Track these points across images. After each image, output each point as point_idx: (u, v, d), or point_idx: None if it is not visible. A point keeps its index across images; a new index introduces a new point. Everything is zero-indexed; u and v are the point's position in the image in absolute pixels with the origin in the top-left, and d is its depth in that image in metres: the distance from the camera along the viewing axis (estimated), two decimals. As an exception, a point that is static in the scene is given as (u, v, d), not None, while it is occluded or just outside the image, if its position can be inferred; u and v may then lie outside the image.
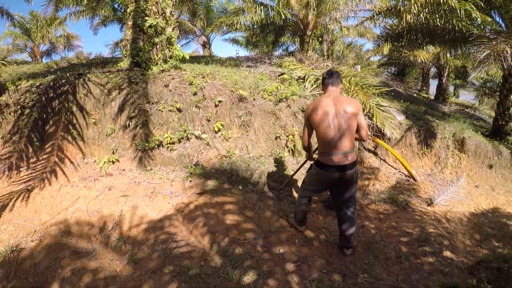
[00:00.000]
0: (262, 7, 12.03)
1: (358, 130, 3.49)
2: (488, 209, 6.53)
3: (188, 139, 5.67)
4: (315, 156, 3.87)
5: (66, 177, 5.20)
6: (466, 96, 27.27)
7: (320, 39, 18.40)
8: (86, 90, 5.94)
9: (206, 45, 22.30)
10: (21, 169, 5.48)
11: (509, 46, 7.19)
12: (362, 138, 3.51)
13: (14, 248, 3.57)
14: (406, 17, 7.60)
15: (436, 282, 3.51)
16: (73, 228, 3.94)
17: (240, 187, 5.04)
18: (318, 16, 12.79)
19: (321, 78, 7.02)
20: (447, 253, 4.22)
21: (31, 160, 5.62)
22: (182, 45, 23.99)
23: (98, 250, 3.61)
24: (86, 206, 4.39)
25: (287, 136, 6.15)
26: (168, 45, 6.56)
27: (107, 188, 4.84)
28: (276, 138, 6.15)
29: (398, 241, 4.35)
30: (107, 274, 3.25)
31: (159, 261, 3.46)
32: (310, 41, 13.48)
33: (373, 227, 4.68)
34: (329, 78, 3.67)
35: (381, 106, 6.93)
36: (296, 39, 16.09)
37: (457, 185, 6.66)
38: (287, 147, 6.12)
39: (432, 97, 19.63)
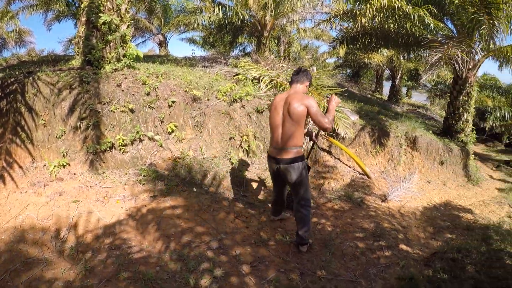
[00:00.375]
0: (220, 7, 11.95)
1: (316, 124, 3.54)
2: (441, 203, 6.83)
3: (141, 140, 5.50)
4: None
5: (15, 183, 4.86)
6: (418, 97, 28.51)
7: (277, 40, 18.57)
8: (35, 90, 5.60)
9: (162, 44, 21.95)
10: None
11: (460, 50, 7.56)
12: (323, 128, 3.49)
13: None
14: (361, 20, 7.80)
15: (393, 275, 3.61)
16: (24, 238, 3.71)
17: (195, 189, 4.95)
18: (275, 17, 12.88)
19: (276, 79, 7.16)
20: (403, 247, 4.36)
21: None
22: (138, 44, 23.45)
23: (50, 259, 3.41)
24: (36, 214, 4.14)
25: (241, 137, 6.13)
26: (122, 43, 6.34)
27: (58, 193, 4.58)
28: (230, 139, 6.11)
29: (354, 237, 4.44)
30: (60, 285, 3.07)
31: (114, 268, 3.31)
32: (267, 42, 13.55)
33: (329, 225, 4.75)
34: (296, 75, 3.86)
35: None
36: (253, 40, 16.12)
37: (410, 181, 6.91)
38: (242, 147, 6.10)
39: (386, 98, 20.35)
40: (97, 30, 6.16)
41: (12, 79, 5.88)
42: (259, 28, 13.27)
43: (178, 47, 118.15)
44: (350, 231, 4.62)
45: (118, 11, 6.35)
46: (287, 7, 12.25)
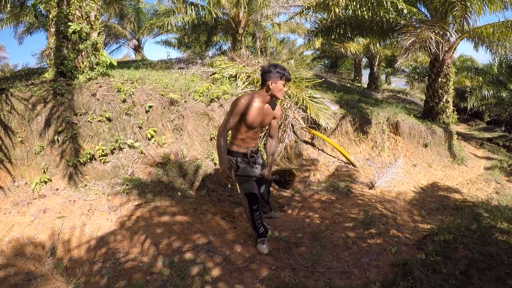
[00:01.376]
0: (192, 7, 11.90)
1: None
2: (428, 185, 6.90)
3: (121, 149, 5.39)
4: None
5: (-3, 204, 4.74)
6: (398, 83, 28.87)
7: (253, 36, 18.53)
8: (9, 107, 5.44)
9: (138, 48, 21.70)
10: None
11: (434, 33, 7.62)
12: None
13: None
14: (334, 10, 7.81)
15: (386, 261, 3.61)
16: (11, 260, 3.59)
17: (179, 193, 4.88)
18: (249, 13, 12.87)
19: (252, 75, 7.11)
20: (394, 232, 4.37)
21: None
22: (113, 50, 23.13)
23: (39, 280, 3.31)
24: (22, 234, 4.00)
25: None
26: (94, 51, 6.20)
27: (42, 211, 4.45)
28: (211, 139, 6.06)
29: (344, 227, 4.43)
30: None
31: (105, 280, 3.25)
32: (243, 39, 13.55)
33: (318, 217, 4.73)
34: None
35: (314, 98, 7.08)
36: (228, 38, 16.10)
37: (395, 166, 6.97)
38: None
39: (365, 86, 20.50)
40: (67, 40, 6.01)
41: (-16, 96, 5.71)
42: (234, 26, 13.25)
43: (154, 50, 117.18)
44: (340, 221, 4.61)
45: (88, 19, 6.21)
46: (260, 2, 12.27)
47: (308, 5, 9.64)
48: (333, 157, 7.09)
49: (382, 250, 3.84)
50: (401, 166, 7.26)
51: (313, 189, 5.80)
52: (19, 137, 5.24)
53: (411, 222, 4.94)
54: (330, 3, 8.24)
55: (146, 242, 3.83)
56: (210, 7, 11.76)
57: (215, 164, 5.68)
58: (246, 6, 12.21)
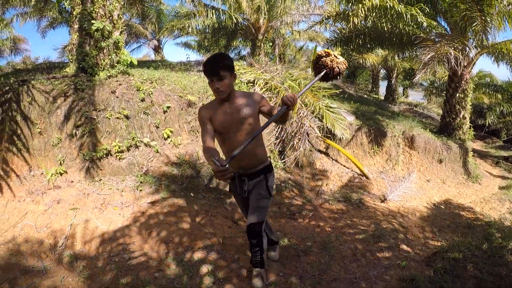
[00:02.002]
0: (213, 10, 12.01)
1: None
2: (440, 202, 6.81)
3: (137, 147, 5.47)
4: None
5: (12, 191, 4.83)
6: (415, 96, 28.54)
7: (272, 43, 18.59)
8: (30, 98, 5.57)
9: (158, 49, 21.94)
10: None
11: (452, 48, 7.56)
12: None
13: None
14: (354, 21, 7.80)
15: (394, 276, 3.58)
16: (23, 246, 3.69)
17: (192, 194, 4.93)
18: (269, 20, 12.91)
19: (270, 81, 7.13)
20: (403, 247, 4.33)
21: None
22: (133, 49, 23.44)
23: (49, 267, 3.40)
24: (35, 222, 4.11)
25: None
26: (115, 50, 6.32)
27: (56, 201, 4.56)
28: None
29: (354, 238, 4.41)
30: None
31: (112, 275, 3.30)
32: (262, 45, 13.58)
33: (328, 227, 4.72)
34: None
35: (331, 107, 7.06)
36: (248, 44, 16.16)
37: (409, 181, 6.90)
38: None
39: (382, 98, 20.36)
40: (90, 37, 6.14)
41: (6, 88, 5.85)
42: (253, 31, 13.30)
43: (174, 52, 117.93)
44: (350, 232, 4.59)
45: (111, 18, 6.33)
46: (280, 9, 12.31)
47: (328, 14, 9.68)
48: (347, 168, 7.06)
49: (391, 264, 3.81)
50: (414, 180, 7.20)
51: (325, 199, 5.79)
52: (38, 128, 5.36)
53: (421, 238, 4.89)
54: (350, 14, 8.24)
55: (156, 239, 3.87)
56: (231, 11, 11.84)
57: None
58: (267, 13, 12.28)
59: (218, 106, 2.80)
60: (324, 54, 2.84)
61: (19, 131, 5.38)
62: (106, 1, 6.29)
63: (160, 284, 3.16)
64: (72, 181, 5.04)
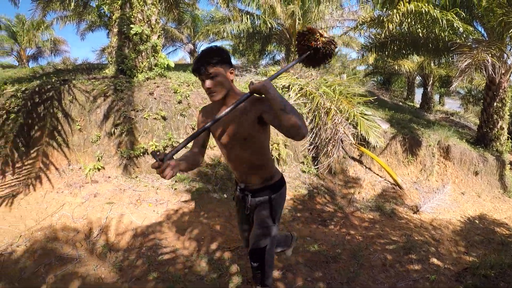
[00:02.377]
0: (248, 16, 12.12)
1: None
2: (475, 216, 6.60)
3: (173, 147, 5.62)
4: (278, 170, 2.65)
5: (51, 183, 5.10)
6: (452, 105, 27.71)
7: (306, 49, 18.55)
8: (71, 97, 5.86)
9: (193, 53, 22.33)
10: (6, 174, 5.36)
11: (490, 55, 7.33)
12: None
13: None
14: (389, 26, 7.69)
15: (423, 289, 3.52)
16: (59, 234, 3.88)
17: (225, 195, 5.01)
18: (303, 25, 12.90)
19: (305, 87, 7.13)
20: (434, 261, 4.23)
21: (17, 165, 5.50)
22: (169, 53, 24.00)
23: (83, 256, 3.55)
24: (72, 213, 4.32)
25: (272, 145, 6.13)
26: (153, 53, 6.53)
27: (93, 195, 4.78)
28: None
29: (384, 249, 4.35)
30: (91, 281, 3.20)
31: (143, 268, 3.41)
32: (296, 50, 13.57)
33: (359, 235, 4.68)
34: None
35: (366, 115, 6.99)
36: (282, 48, 16.17)
37: (443, 193, 6.73)
38: (272, 155, 6.10)
39: (418, 106, 19.89)
40: (129, 40, 6.37)
41: (48, 86, 6.18)
42: (288, 36, 13.33)
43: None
44: (380, 242, 4.53)
45: (149, 22, 6.54)
46: (314, 14, 12.28)
47: (363, 20, 9.58)
48: (380, 176, 6.96)
49: (420, 277, 3.74)
50: (448, 193, 7.00)
51: (357, 207, 5.74)
52: (78, 125, 5.62)
53: (453, 252, 4.76)
54: (384, 19, 8.14)
55: (188, 237, 3.97)
56: (265, 16, 11.92)
57: None
58: (301, 18, 12.29)
59: (216, 111, 2.29)
60: (307, 32, 2.35)
61: (59, 127, 5.66)
62: (144, 6, 6.50)
63: (190, 280, 3.24)
64: (109, 177, 5.25)
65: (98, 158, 5.44)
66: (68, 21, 16.04)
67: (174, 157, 1.91)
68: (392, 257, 4.15)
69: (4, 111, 5.94)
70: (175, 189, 4.99)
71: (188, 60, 23.94)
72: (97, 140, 5.55)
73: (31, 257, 3.48)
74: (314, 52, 2.33)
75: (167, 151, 5.51)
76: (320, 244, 4.16)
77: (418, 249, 4.40)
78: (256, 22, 12.40)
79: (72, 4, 11.52)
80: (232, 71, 2.16)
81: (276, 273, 3.46)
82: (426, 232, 5.22)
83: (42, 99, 6.03)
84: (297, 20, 12.14)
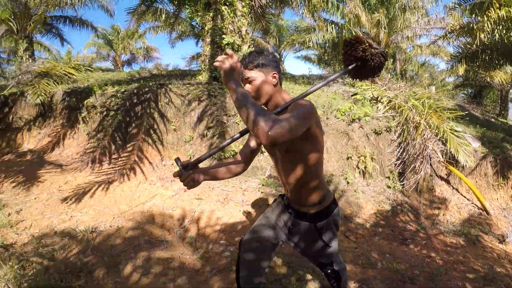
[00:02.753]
0: (333, 25, 12.17)
1: None
2: None
3: (262, 152, 5.91)
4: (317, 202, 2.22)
5: (144, 175, 5.70)
6: (553, 123, 25.08)
7: (393, 58, 18.01)
8: (167, 99, 6.44)
9: (278, 62, 22.65)
10: (103, 163, 6.16)
11: None
12: None
13: (93, 230, 4.01)
14: (479, 35, 7.26)
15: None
16: (149, 221, 4.31)
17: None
18: (389, 34, 12.62)
19: (394, 100, 6.98)
20: (513, 296, 4.00)
21: (113, 156, 6.27)
22: (255, 62, 24.65)
23: (170, 243, 3.90)
24: (162, 203, 4.77)
25: (359, 157, 6.14)
26: (244, 62, 6.86)
27: (183, 189, 5.21)
28: (347, 158, 6.17)
29: (463, 276, 4.18)
30: (175, 266, 3.49)
31: (227, 261, 3.63)
32: (383, 60, 13.29)
33: (439, 259, 4.55)
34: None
35: (456, 131, 6.67)
36: (368, 59, 15.87)
37: (534, 224, 6.21)
38: (358, 168, 6.12)
39: (511, 123, 18.34)
40: (221, 49, 6.81)
41: (146, 89, 6.87)
42: (373, 46, 13.12)
43: (294, 64, 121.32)
44: (460, 269, 4.37)
45: (239, 33, 6.93)
46: (400, 23, 11.99)
47: (452, 28, 9.12)
48: (467, 199, 6.58)
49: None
50: (542, 224, 6.45)
51: (440, 229, 5.53)
52: (173, 125, 6.18)
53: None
54: (475, 27, 7.70)
55: None
56: (350, 26, 11.86)
57: (348, 183, 5.82)
58: (386, 27, 12.05)
59: None
60: (354, 41, 2.08)
61: (155, 126, 6.27)
62: (235, 18, 6.89)
63: (269, 279, 3.39)
64: (199, 175, 5.68)
65: (190, 157, 5.91)
66: (159, 30, 17.56)
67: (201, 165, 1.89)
68: (471, 286, 4.00)
69: (104, 109, 6.73)
70: (262, 192, 5.24)
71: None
72: (190, 140, 6.03)
73: (122, 237, 3.92)
74: (361, 63, 2.09)
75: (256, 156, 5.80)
76: (398, 263, 4.14)
77: (499, 282, 4.16)
78: (342, 32, 12.39)
79: (163, 16, 12.57)
80: (274, 74, 2.02)
81: (352, 285, 3.52)
82: (510, 265, 4.91)
83: (140, 100, 6.71)
84: (382, 29, 11.94)
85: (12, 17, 11.97)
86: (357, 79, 2.24)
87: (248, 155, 2.27)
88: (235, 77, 1.71)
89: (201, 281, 3.32)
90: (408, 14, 11.95)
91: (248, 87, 1.96)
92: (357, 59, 2.06)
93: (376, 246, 4.50)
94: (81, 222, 4.23)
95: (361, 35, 2.20)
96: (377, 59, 2.05)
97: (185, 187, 1.82)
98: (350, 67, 2.11)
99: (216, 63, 1.72)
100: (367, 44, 2.04)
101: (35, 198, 4.99)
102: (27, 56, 12.36)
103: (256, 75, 1.95)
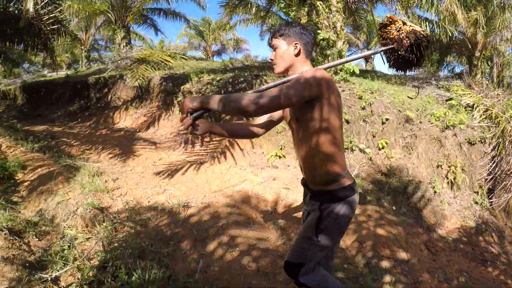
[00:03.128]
0: (427, 22, 11.64)
1: None
2: None
3: (352, 150, 5.91)
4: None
5: (235, 160, 5.93)
6: None
7: (490, 61, 16.64)
8: (262, 90, 6.65)
9: (368, 59, 22.17)
10: (195, 145, 6.52)
11: None
12: None
13: (185, 204, 4.24)
14: None
15: None
16: (238, 203, 4.47)
17: (394, 208, 5.07)
18: (487, 35, 11.75)
19: (491, 108, 6.49)
20: None
21: (205, 140, 6.61)
22: (346, 57, 24.33)
23: (257, 225, 4.02)
24: (251, 188, 4.89)
25: (449, 167, 5.82)
26: (338, 58, 6.85)
27: (272, 178, 5.33)
28: (437, 167, 5.89)
29: None
30: (260, 247, 3.61)
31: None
32: (479, 63, 12.42)
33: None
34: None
35: None
36: (463, 60, 14.98)
37: None
38: (447, 178, 5.81)
39: None
40: (316, 45, 6.85)
41: (241, 79, 7.15)
42: (470, 47, 12.35)
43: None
44: None
45: (334, 29, 6.93)
46: (499, 23, 11.08)
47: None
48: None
49: None
50: None
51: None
52: (269, 115, 6.39)
53: None
54: None
55: (352, 236, 4.15)
56: (444, 24, 11.25)
57: (435, 192, 5.61)
58: (484, 26, 11.23)
59: None
60: (388, 22, 1.99)
61: (255, 115, 6.52)
62: (330, 14, 6.89)
63: (347, 276, 3.42)
64: (288, 165, 5.87)
65: (281, 147, 6.09)
66: (249, 23, 18.06)
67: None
68: None
69: (200, 95, 7.09)
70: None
71: (363, 65, 23.87)
72: (281, 132, 6.20)
73: (211, 214, 4.13)
74: (397, 45, 1.96)
75: (346, 153, 5.83)
76: (474, 283, 3.93)
77: None
78: (435, 30, 11.83)
79: (254, 9, 12.93)
80: (296, 44, 2.01)
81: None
82: None
83: (235, 89, 7.03)
84: (480, 29, 11.17)
85: (110, 8, 13.24)
86: (402, 70, 2.19)
87: (267, 122, 2.35)
88: (200, 100, 1.91)
89: (283, 266, 3.47)
90: (508, 13, 11.04)
91: (272, 54, 2.11)
92: (392, 41, 2.00)
93: (455, 262, 4.29)
94: (173, 196, 4.47)
95: (394, 15, 2.06)
96: (412, 36, 1.92)
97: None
98: (383, 48, 2.07)
99: (183, 123, 1.92)
100: (401, 22, 1.98)
101: (131, 170, 5.37)
102: (125, 44, 13.51)
103: (280, 43, 2.04)
